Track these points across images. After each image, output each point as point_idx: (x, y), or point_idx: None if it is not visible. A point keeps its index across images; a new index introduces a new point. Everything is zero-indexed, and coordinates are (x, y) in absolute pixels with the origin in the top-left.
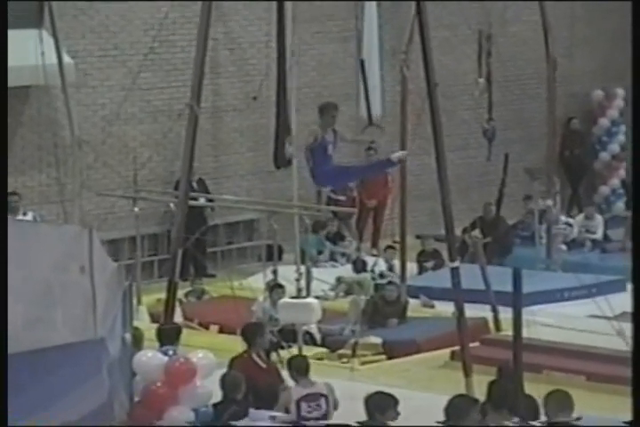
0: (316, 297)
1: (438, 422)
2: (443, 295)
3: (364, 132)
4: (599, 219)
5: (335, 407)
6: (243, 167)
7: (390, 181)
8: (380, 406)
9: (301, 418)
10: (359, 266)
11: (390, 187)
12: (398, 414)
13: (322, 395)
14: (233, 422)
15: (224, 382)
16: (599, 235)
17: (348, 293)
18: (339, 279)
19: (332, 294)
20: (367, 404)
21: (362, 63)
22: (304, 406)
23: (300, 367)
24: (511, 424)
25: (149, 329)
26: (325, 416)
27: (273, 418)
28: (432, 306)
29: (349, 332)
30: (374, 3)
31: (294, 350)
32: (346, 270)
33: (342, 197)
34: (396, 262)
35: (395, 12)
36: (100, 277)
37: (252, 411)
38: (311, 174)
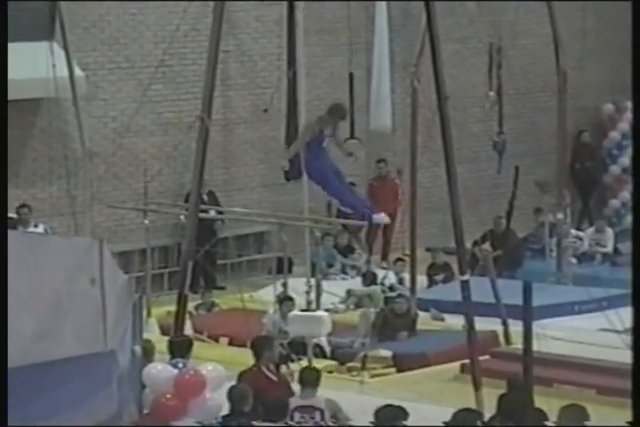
0: (326, 310)
1: (444, 423)
2: (453, 308)
3: (346, 143)
4: (610, 232)
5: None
6: (253, 180)
7: (400, 194)
8: (390, 419)
9: None
10: (369, 279)
11: (400, 199)
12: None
13: (317, 409)
14: None
15: (231, 394)
16: (609, 248)
17: (357, 305)
18: (348, 292)
19: (341, 306)
20: (377, 417)
21: (351, 77)
22: (297, 416)
23: (308, 379)
24: None
25: (159, 341)
26: None
27: None
28: (442, 319)
29: (359, 345)
30: (385, 15)
31: (304, 363)
32: (356, 283)
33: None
34: (406, 275)
35: (405, 25)
36: (111, 290)
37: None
38: (305, 169)
